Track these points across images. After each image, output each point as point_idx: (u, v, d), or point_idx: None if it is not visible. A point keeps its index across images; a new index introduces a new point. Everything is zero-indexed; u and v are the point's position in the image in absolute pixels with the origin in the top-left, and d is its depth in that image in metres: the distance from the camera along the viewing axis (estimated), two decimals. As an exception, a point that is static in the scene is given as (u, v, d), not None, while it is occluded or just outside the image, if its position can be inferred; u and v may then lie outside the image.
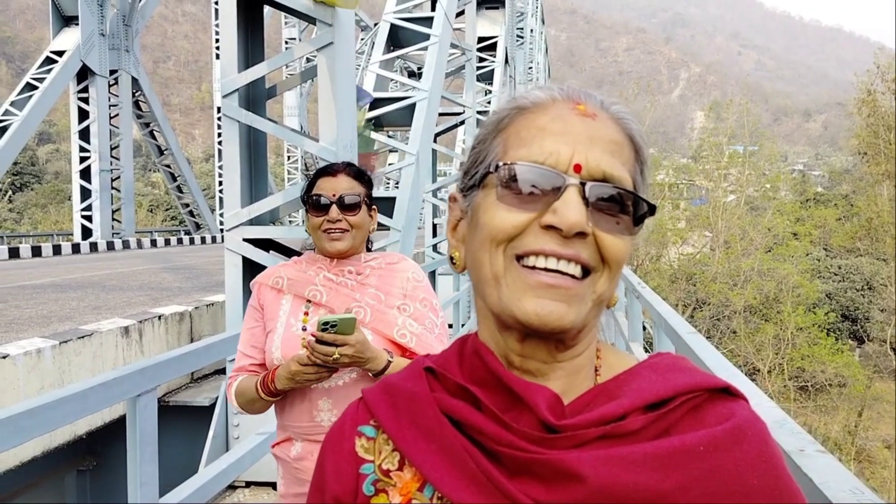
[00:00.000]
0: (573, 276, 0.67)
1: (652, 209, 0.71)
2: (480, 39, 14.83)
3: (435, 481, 0.70)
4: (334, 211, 1.94)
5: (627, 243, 0.69)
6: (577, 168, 0.68)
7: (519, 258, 0.68)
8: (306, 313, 1.99)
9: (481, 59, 15.40)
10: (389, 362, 1.85)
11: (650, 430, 0.67)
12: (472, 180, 0.75)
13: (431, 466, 0.70)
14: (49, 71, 19.66)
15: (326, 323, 1.74)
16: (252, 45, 5.28)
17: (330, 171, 2.01)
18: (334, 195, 1.95)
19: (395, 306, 1.95)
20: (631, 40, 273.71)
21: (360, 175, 2.03)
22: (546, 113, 0.71)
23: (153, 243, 24.56)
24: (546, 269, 0.67)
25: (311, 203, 1.97)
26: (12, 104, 18.87)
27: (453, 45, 10.64)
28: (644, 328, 6.32)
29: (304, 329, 1.95)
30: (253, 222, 5.20)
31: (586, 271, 0.67)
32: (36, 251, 19.30)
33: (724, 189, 34.02)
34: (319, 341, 1.76)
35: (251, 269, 5.19)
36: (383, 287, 1.98)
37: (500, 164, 0.70)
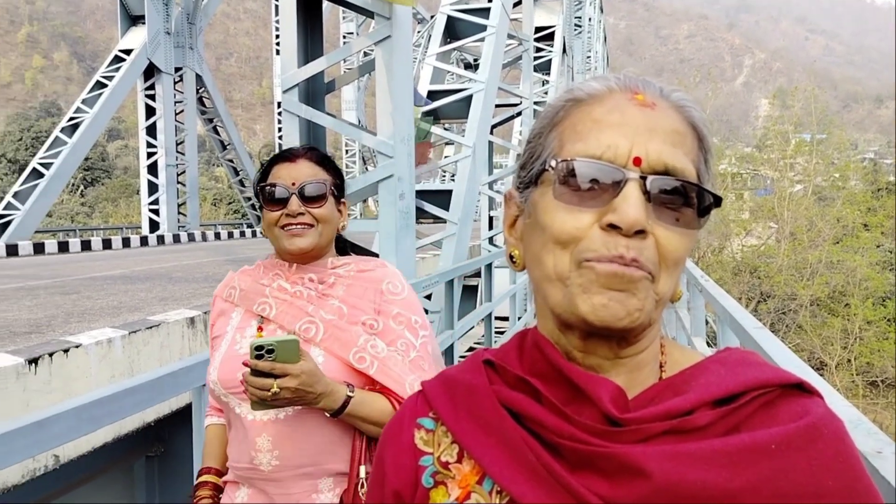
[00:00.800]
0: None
1: (718, 200, 0.68)
2: (538, 29, 14.70)
3: (494, 474, 0.69)
4: (294, 202, 1.60)
5: (689, 238, 0.67)
6: (637, 161, 0.66)
7: (586, 260, 0.66)
8: (260, 329, 1.65)
9: (538, 50, 15.27)
10: (349, 398, 1.48)
11: (719, 426, 0.64)
12: (529, 177, 0.73)
13: (490, 459, 0.69)
14: (118, 69, 20.32)
15: (261, 347, 1.38)
16: (311, 40, 5.35)
17: (287, 155, 1.68)
18: (294, 184, 1.61)
19: (360, 322, 1.60)
20: (692, 27, 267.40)
21: (325, 160, 1.70)
22: (603, 104, 0.69)
23: (217, 236, 25.18)
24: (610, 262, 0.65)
25: (266, 194, 1.63)
26: (83, 102, 19.58)
27: (510, 36, 10.57)
28: (706, 322, 6.18)
29: None
30: (313, 215, 5.27)
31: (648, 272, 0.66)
32: (106, 244, 20.02)
33: (791, 179, 32.96)
34: (254, 372, 1.41)
35: (311, 261, 5.28)
36: (350, 299, 1.63)
37: (557, 160, 0.68)
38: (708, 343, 5.97)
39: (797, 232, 30.51)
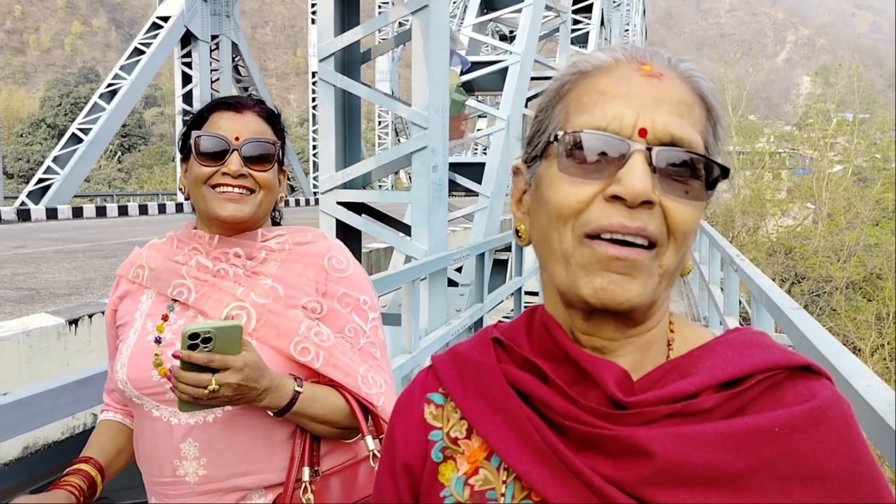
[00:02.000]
0: (639, 246, 0.64)
1: (725, 172, 0.67)
2: (575, 1, 14.43)
3: (500, 451, 0.70)
4: (235, 160, 1.33)
5: (697, 211, 0.67)
6: (643, 132, 0.65)
7: (588, 236, 0.66)
8: (165, 317, 1.37)
9: (576, 22, 15.01)
10: (297, 393, 1.27)
11: (723, 408, 0.65)
12: (535, 150, 0.73)
13: (497, 437, 0.70)
14: (155, 36, 20.47)
15: (196, 335, 1.13)
16: (349, 9, 5.33)
17: (232, 103, 1.39)
18: (237, 138, 1.34)
19: (300, 305, 1.35)
20: (735, 1, 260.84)
21: (274, 118, 1.43)
22: (609, 75, 0.68)
23: (249, 204, 25.43)
24: (612, 241, 0.64)
25: (199, 145, 1.35)
26: (122, 68, 19.79)
27: (548, 8, 10.40)
28: (739, 303, 6.11)
29: (158, 341, 1.33)
30: (346, 186, 5.29)
31: (651, 243, 0.65)
32: (143, 209, 20.36)
33: (830, 159, 32.19)
34: (187, 365, 1.15)
35: (345, 231, 5.31)
36: (286, 277, 1.37)
37: (561, 132, 0.68)
38: (741, 323, 5.91)
39: (835, 213, 29.89)
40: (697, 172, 0.66)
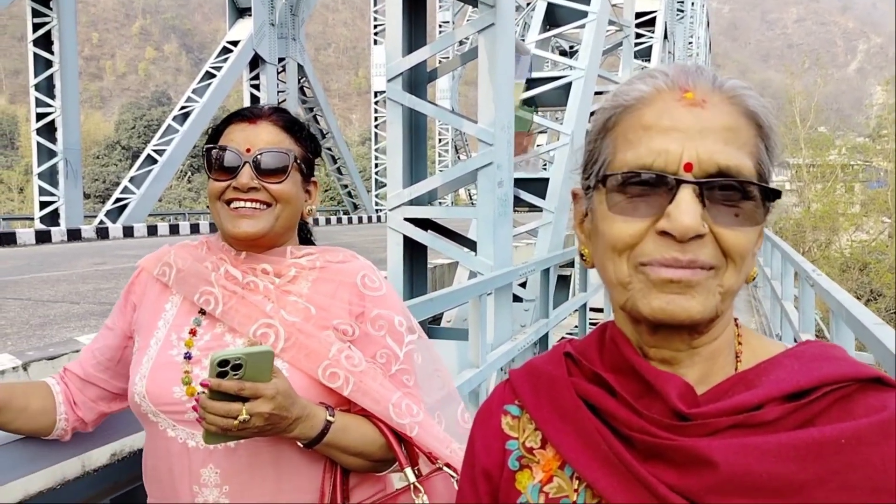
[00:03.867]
0: (696, 268, 0.66)
1: (776, 194, 0.68)
2: (638, 15, 14.34)
3: (571, 460, 0.73)
4: (246, 173, 1.26)
5: (751, 235, 0.68)
6: (688, 167, 0.66)
7: (643, 264, 0.68)
8: (193, 331, 1.29)
9: (639, 36, 14.89)
10: (329, 423, 1.20)
11: (789, 420, 0.65)
12: (588, 181, 0.75)
13: (568, 446, 0.73)
14: (225, 60, 21.17)
15: (226, 362, 1.07)
16: (415, 29, 5.43)
17: (246, 114, 1.33)
18: (248, 150, 1.27)
19: (332, 326, 1.28)
20: (802, 10, 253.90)
21: (295, 126, 1.35)
22: (651, 108, 0.69)
23: (315, 222, 25.85)
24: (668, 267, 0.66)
25: (212, 159, 1.29)
26: (194, 91, 20.52)
27: (610, 22, 10.37)
28: (815, 320, 5.92)
29: (188, 357, 1.26)
30: (413, 202, 5.37)
31: (710, 266, 0.66)
32: (213, 227, 20.91)
33: (907, 171, 30.90)
34: (215, 394, 1.08)
35: (411, 247, 5.38)
36: (317, 297, 1.29)
37: (609, 174, 0.70)
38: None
39: (913, 227, 28.64)
40: (748, 195, 0.67)
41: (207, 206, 1.40)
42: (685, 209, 0.65)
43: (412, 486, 1.25)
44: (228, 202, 1.28)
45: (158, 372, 1.26)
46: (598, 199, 0.72)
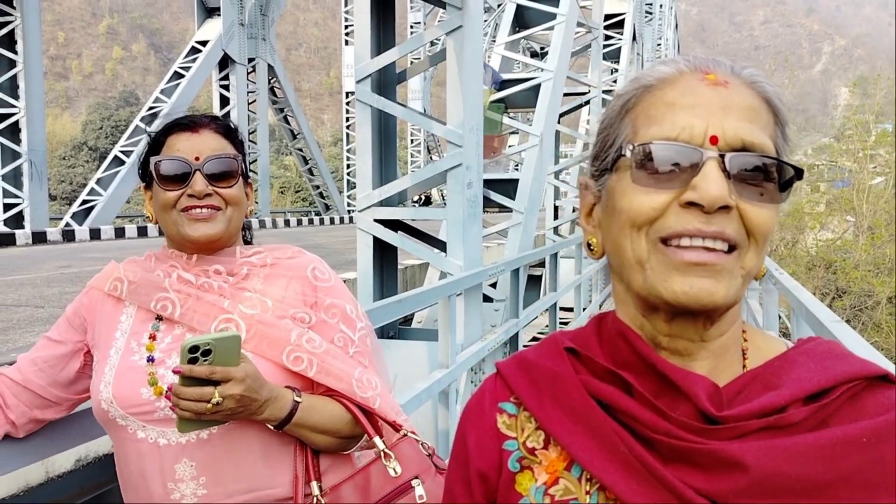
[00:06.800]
0: (719, 251, 0.65)
1: (799, 173, 0.68)
2: (607, 17, 14.47)
3: (584, 462, 0.70)
4: (199, 181, 1.31)
5: (773, 213, 0.68)
6: (714, 140, 0.66)
7: (663, 240, 0.67)
8: (153, 336, 1.33)
9: (608, 37, 15.04)
10: (297, 403, 1.26)
11: (809, 421, 0.66)
12: (604, 164, 0.74)
13: (580, 447, 0.70)
14: (194, 60, 20.96)
15: (196, 348, 1.13)
16: (384, 31, 5.43)
17: (187, 123, 1.37)
18: (197, 158, 1.32)
19: (289, 315, 1.34)
20: (769, 13, 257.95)
21: (231, 132, 1.41)
22: (674, 87, 0.69)
23: (286, 223, 25.75)
24: (691, 247, 0.65)
25: (160, 170, 1.33)
26: (162, 92, 20.28)
27: (579, 24, 10.46)
28: (780, 317, 6.04)
29: (151, 360, 1.30)
30: (383, 203, 5.37)
31: (732, 246, 0.66)
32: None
33: (870, 171, 31.56)
34: (187, 381, 1.14)
35: (381, 248, 5.38)
36: (271, 291, 1.36)
37: (633, 145, 0.69)
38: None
39: (876, 226, 29.27)
40: (771, 175, 0.67)
41: (147, 217, 1.43)
42: (713, 179, 0.64)
43: (382, 452, 1.31)
44: (183, 210, 1.33)
45: (123, 377, 1.29)
46: (615, 178, 0.71)
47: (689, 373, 0.69)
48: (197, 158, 1.32)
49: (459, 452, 0.81)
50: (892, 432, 0.63)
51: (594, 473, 0.69)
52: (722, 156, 0.66)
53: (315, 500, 1.29)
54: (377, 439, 1.32)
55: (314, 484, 1.30)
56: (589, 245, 0.77)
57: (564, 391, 0.73)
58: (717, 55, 0.74)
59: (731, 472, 0.63)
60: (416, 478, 1.30)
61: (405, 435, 1.35)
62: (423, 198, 29.18)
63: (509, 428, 0.78)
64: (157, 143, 1.38)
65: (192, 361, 1.13)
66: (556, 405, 0.73)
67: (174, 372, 1.15)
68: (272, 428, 1.26)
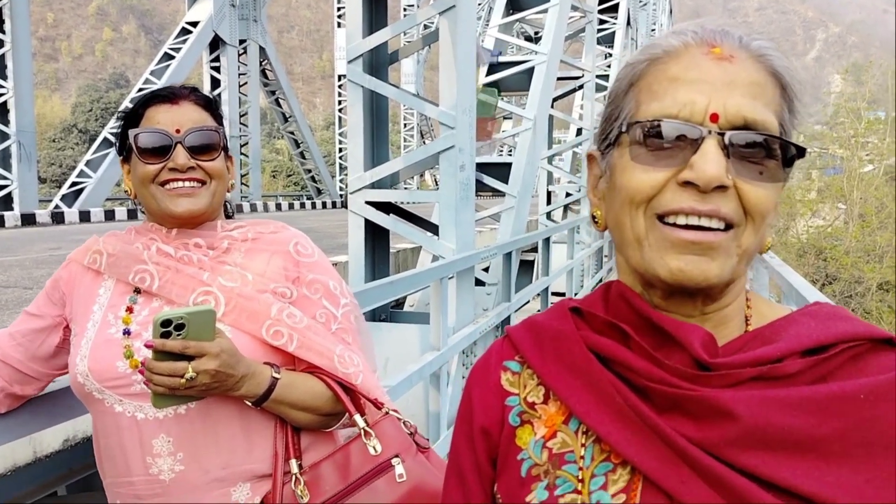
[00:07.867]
0: (715, 230, 0.65)
1: (801, 152, 0.68)
2: (601, 1, 14.39)
3: (581, 414, 0.71)
4: (181, 154, 1.28)
5: (773, 192, 0.67)
6: (714, 117, 0.66)
7: (660, 217, 0.67)
8: (129, 309, 1.30)
9: (602, 22, 14.96)
10: (275, 380, 1.23)
11: (807, 374, 0.65)
12: (608, 138, 0.73)
13: (577, 400, 0.71)
14: (184, 41, 20.73)
15: (168, 322, 1.10)
16: (376, 10, 5.38)
17: (167, 94, 1.33)
18: (178, 130, 1.28)
19: (270, 290, 1.31)
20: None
21: (211, 104, 1.37)
22: (679, 61, 0.68)
23: (278, 207, 25.66)
24: (687, 226, 0.65)
25: (139, 144, 1.29)
26: (152, 73, 20.07)
27: (574, 8, 10.39)
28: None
29: (128, 333, 1.27)
30: (375, 186, 5.34)
31: (728, 225, 0.66)
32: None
33: (862, 158, 31.68)
34: (160, 355, 1.11)
35: (373, 230, 5.36)
36: (252, 265, 1.33)
37: (632, 122, 0.69)
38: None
39: (867, 213, 29.42)
40: (772, 153, 0.66)
41: (126, 191, 1.39)
42: (710, 158, 0.64)
43: (363, 431, 1.29)
44: (163, 183, 1.30)
45: (99, 350, 1.27)
46: (617, 153, 0.71)
47: (684, 323, 0.69)
48: (178, 131, 1.29)
49: (465, 410, 0.83)
50: (893, 391, 0.62)
51: (590, 425, 0.70)
52: (722, 134, 0.65)
53: (293, 477, 1.27)
54: (357, 417, 1.31)
55: (293, 462, 1.29)
56: (594, 217, 0.78)
57: (567, 347, 0.74)
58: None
59: (722, 420, 0.63)
60: (397, 456, 1.28)
61: (387, 413, 1.33)
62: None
63: (512, 385, 0.79)
64: (135, 115, 1.33)
65: (166, 336, 1.11)
66: (556, 360, 0.75)
67: (146, 346, 1.13)
68: (250, 405, 1.24)
